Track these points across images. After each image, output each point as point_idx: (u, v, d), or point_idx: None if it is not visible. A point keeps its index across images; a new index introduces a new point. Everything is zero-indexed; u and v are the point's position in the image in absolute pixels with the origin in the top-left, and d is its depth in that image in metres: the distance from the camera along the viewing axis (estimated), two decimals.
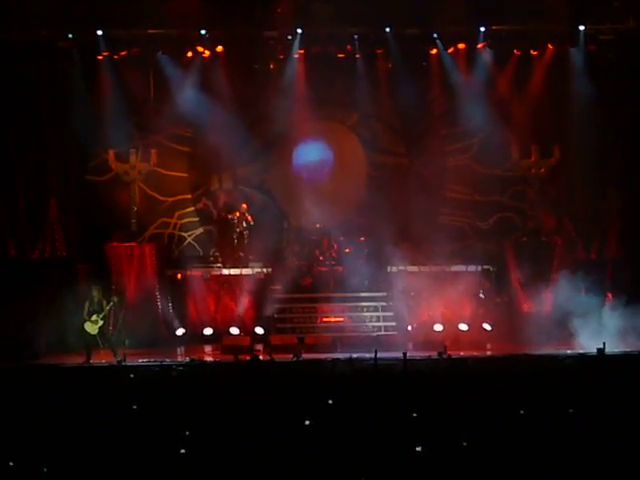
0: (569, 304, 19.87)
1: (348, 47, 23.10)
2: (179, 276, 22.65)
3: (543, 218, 23.54)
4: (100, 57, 22.62)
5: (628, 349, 18.54)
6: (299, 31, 22.67)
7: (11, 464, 8.77)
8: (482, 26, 22.65)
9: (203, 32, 22.54)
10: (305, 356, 18.58)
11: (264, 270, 22.41)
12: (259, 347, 20.64)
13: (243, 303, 21.99)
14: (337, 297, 21.57)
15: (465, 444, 9.04)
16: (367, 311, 21.44)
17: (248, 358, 16.45)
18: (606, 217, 23.27)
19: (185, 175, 24.35)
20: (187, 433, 9.67)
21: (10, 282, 20.70)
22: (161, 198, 24.11)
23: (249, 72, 23.68)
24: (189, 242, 24.33)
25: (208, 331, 21.59)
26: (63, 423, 10.18)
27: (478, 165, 24.25)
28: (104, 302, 19.02)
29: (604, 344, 17.61)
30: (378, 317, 21.37)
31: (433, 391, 11.80)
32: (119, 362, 18.32)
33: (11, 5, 21.67)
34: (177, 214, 24.28)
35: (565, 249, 22.66)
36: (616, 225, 23.16)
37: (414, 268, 22.20)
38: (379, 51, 23.29)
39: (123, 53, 22.71)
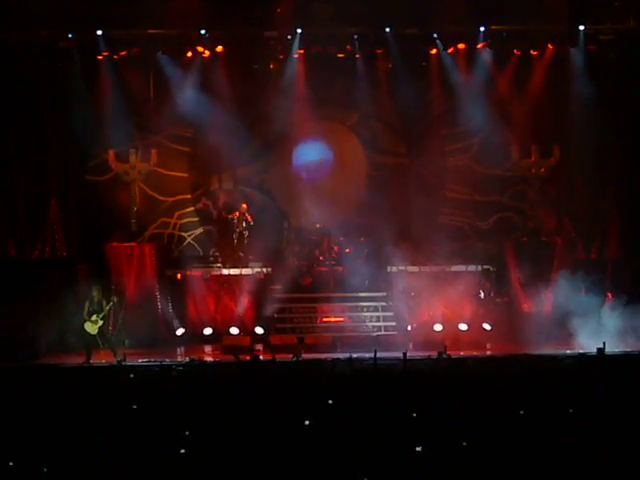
0: (569, 304, 19.86)
1: (348, 47, 23.10)
2: (179, 276, 22.65)
3: (543, 218, 23.55)
4: (100, 57, 22.64)
5: (628, 349, 18.55)
6: (299, 31, 22.68)
7: (11, 464, 8.77)
8: (482, 26, 22.66)
9: (203, 32, 22.54)
10: (305, 356, 18.58)
11: (264, 270, 22.41)
12: (259, 347, 20.64)
13: (243, 303, 22.00)
14: (337, 297, 21.59)
15: (465, 444, 9.04)
16: (367, 311, 21.45)
17: (248, 358, 16.43)
18: (606, 217, 23.27)
19: (185, 175, 24.36)
20: (187, 433, 9.67)
21: (10, 282, 20.69)
22: (161, 198, 24.12)
23: (249, 72, 23.69)
24: (189, 242, 24.34)
25: (208, 331, 21.59)
26: (63, 423, 10.18)
27: (478, 165, 24.26)
28: (104, 302, 19.03)
29: (604, 344, 17.60)
30: (378, 317, 21.38)
31: (433, 391, 11.79)
32: (119, 362, 18.32)
33: (11, 5, 21.68)
34: (177, 214, 24.29)
35: (565, 249, 22.66)
36: (616, 225, 23.17)
37: (414, 268, 22.20)
38: (379, 51, 23.30)
39: (123, 53, 22.72)
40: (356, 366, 15.27)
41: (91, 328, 18.85)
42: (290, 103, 23.08)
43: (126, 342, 20.62)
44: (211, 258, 23.84)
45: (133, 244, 22.41)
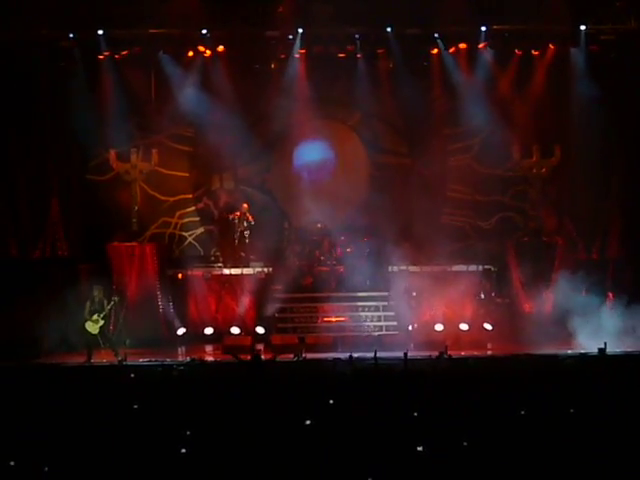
0: (570, 304, 19.86)
1: (349, 47, 23.12)
2: (180, 276, 22.66)
3: (544, 218, 23.53)
4: (101, 57, 22.64)
5: (629, 349, 18.54)
6: (300, 31, 22.68)
7: (12, 463, 8.77)
8: (483, 26, 22.65)
9: (204, 32, 22.55)
10: (306, 356, 18.57)
11: (265, 270, 22.43)
12: (260, 347, 20.64)
13: (244, 303, 22.01)
14: (338, 297, 21.60)
15: (466, 444, 9.04)
16: (368, 311, 21.45)
17: (249, 358, 16.43)
18: (607, 217, 23.27)
19: (186, 175, 24.37)
20: (188, 433, 9.67)
21: (11, 282, 20.73)
22: (162, 198, 24.12)
23: (250, 72, 23.70)
24: (190, 242, 24.35)
25: (209, 331, 21.59)
26: (64, 423, 10.18)
27: (479, 165, 24.26)
28: (105, 302, 19.04)
29: (605, 344, 17.59)
30: (379, 317, 21.39)
31: (434, 391, 11.78)
32: (120, 362, 18.31)
33: (12, 5, 21.68)
34: (178, 214, 24.30)
35: (566, 249, 22.66)
36: (617, 225, 23.17)
37: (415, 268, 22.19)
38: (380, 51, 23.32)
39: (124, 53, 22.74)
40: (357, 366, 15.26)
41: (92, 328, 18.86)
42: (291, 103, 23.09)
43: (127, 342, 20.64)
44: (212, 258, 23.86)
45: (134, 244, 22.41)
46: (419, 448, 8.87)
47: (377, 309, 21.48)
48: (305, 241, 23.04)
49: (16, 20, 21.65)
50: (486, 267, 22.38)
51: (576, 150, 23.04)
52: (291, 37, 22.85)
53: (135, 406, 11.10)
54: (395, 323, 21.10)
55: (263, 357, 17.61)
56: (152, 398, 11.66)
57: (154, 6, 21.87)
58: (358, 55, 23.29)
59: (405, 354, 15.67)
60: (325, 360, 16.98)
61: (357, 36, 22.88)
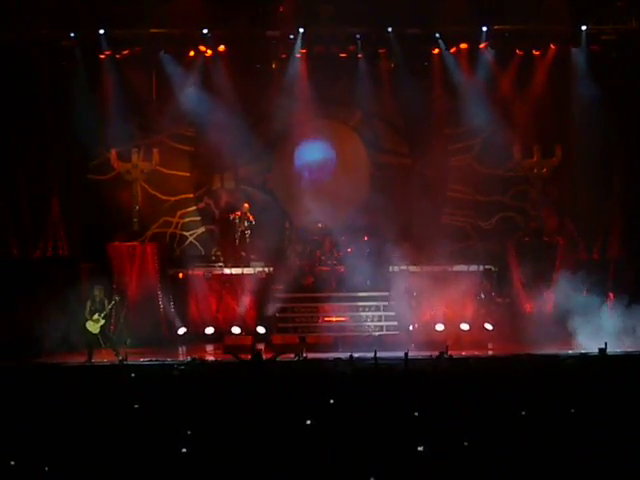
0: (571, 304, 19.85)
1: (350, 47, 23.10)
2: (181, 275, 22.66)
3: (545, 218, 23.52)
4: (102, 56, 22.62)
5: (630, 349, 18.54)
6: (301, 31, 22.66)
7: (12, 463, 8.77)
8: (484, 26, 22.63)
9: (205, 31, 22.53)
10: (307, 355, 18.57)
11: (266, 269, 22.43)
12: (260, 347, 20.63)
13: (245, 302, 22.01)
14: (339, 297, 21.59)
15: (466, 444, 9.04)
16: (369, 311, 21.45)
17: (250, 358, 16.43)
18: (608, 217, 23.25)
19: (187, 174, 24.36)
20: (188, 432, 9.68)
21: (12, 281, 20.73)
22: (163, 197, 24.12)
23: (251, 71, 23.69)
24: (191, 241, 24.35)
25: (210, 330, 21.58)
26: (65, 422, 10.19)
27: (480, 165, 24.24)
28: (106, 301, 19.03)
29: (606, 344, 17.59)
30: (380, 317, 21.39)
31: (434, 391, 11.80)
32: (121, 361, 18.30)
33: (12, 5, 21.68)
34: (179, 213, 24.29)
35: (567, 249, 22.65)
36: (618, 225, 23.13)
37: (416, 268, 22.18)
38: (381, 51, 23.29)
39: (125, 52, 22.72)
40: (358, 366, 15.29)
41: (93, 327, 18.86)
42: (292, 103, 23.09)
43: (128, 341, 20.64)
44: (213, 257, 23.85)
45: (135, 243, 22.42)
46: (420, 448, 8.87)
47: (378, 309, 21.48)
48: (306, 241, 23.03)
49: (16, 20, 21.65)
50: (487, 267, 22.37)
51: (577, 150, 23.03)
52: (292, 37, 22.84)
53: (136, 406, 11.11)
54: (396, 323, 21.10)
55: (264, 357, 17.63)
56: (153, 398, 11.67)
57: (155, 6, 21.86)
58: (359, 55, 23.27)
59: (406, 354, 15.69)
60: (326, 360, 17.00)
61: (358, 36, 22.86)
